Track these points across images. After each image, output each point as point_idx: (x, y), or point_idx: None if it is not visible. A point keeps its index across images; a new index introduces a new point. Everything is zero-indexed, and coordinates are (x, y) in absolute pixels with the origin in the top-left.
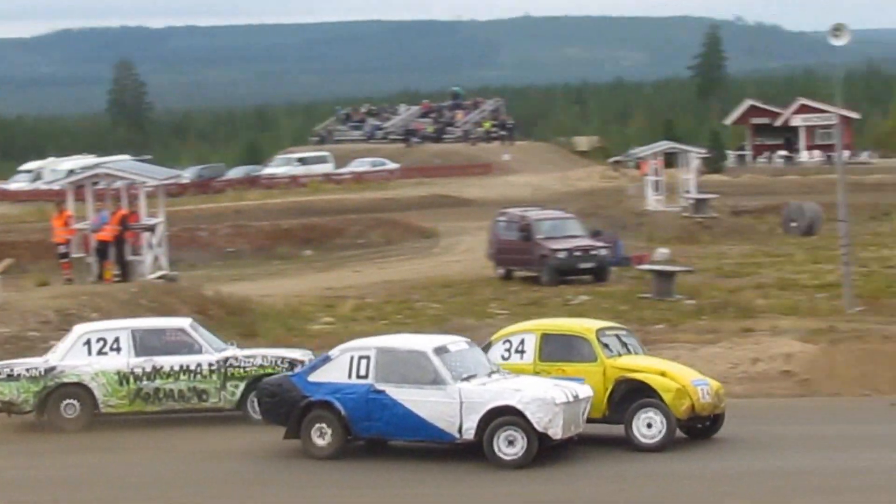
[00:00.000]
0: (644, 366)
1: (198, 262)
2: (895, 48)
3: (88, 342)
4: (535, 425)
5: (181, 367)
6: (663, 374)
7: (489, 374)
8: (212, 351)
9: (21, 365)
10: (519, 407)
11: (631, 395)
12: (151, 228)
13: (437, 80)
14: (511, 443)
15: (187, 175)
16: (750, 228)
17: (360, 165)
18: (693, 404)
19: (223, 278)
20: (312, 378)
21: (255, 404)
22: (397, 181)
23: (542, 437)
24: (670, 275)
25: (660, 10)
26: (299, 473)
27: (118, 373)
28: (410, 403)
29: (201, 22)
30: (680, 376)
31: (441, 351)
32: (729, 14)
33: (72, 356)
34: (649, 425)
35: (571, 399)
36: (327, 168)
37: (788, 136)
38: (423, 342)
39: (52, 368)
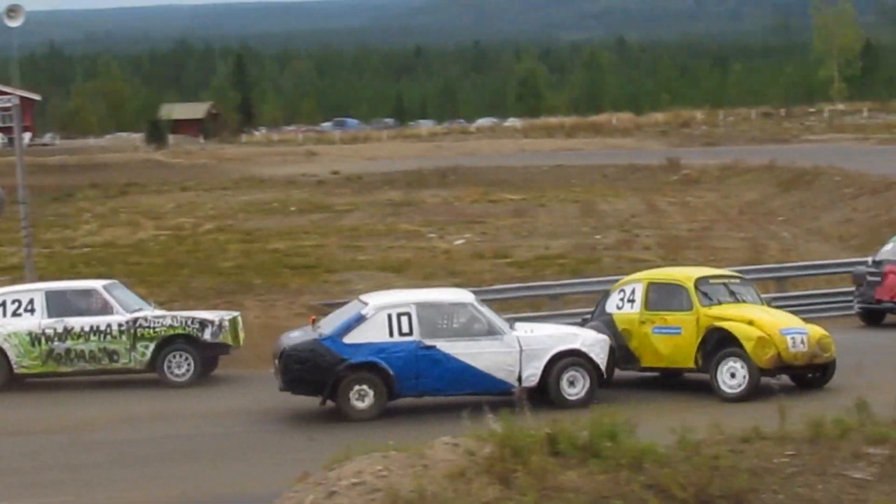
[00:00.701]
0: (735, 314)
1: None
2: (77, 29)
3: (4, 304)
4: (600, 365)
5: (91, 327)
6: (751, 322)
7: (512, 326)
8: (123, 312)
9: None
10: (584, 349)
11: (718, 344)
12: None
13: None
14: (572, 383)
15: None
16: None
17: None
18: (779, 353)
19: None
20: (348, 340)
21: (171, 366)
22: None
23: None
24: None
25: None
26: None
27: (30, 333)
28: (466, 357)
29: None
30: (768, 324)
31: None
32: None
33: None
34: (732, 375)
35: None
36: None
37: None
38: (464, 294)
39: None
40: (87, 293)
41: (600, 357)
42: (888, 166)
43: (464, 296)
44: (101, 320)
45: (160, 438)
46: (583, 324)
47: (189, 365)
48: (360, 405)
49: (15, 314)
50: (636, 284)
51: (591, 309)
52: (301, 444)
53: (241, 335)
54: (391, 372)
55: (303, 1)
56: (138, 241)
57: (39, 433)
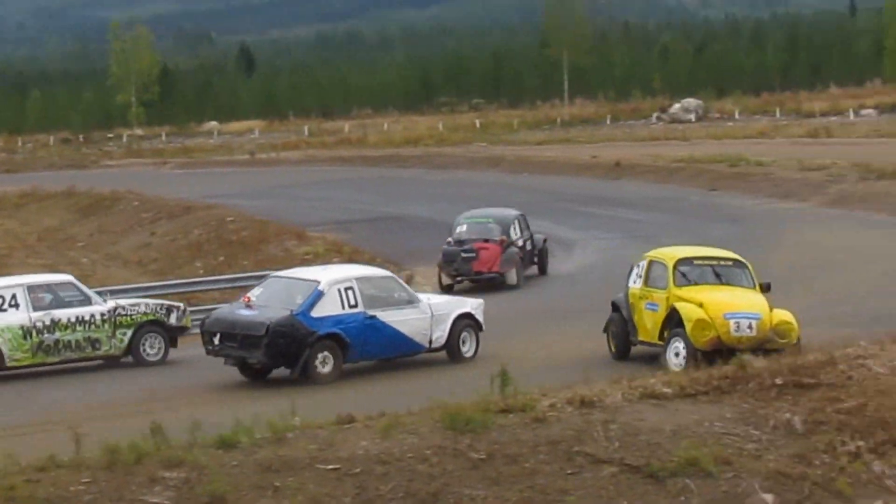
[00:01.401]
0: (695, 296)
1: None
2: None
3: None
4: (482, 324)
5: (77, 318)
6: (700, 304)
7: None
8: (101, 302)
9: None
10: (473, 312)
11: (673, 323)
12: None
13: None
14: (464, 342)
15: None
16: None
17: None
18: (719, 336)
19: None
20: (314, 314)
21: (145, 348)
22: None
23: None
24: None
25: None
26: None
27: (22, 327)
28: (397, 324)
29: None
30: (714, 307)
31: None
32: None
33: None
34: (676, 354)
35: None
36: None
37: None
38: (384, 270)
39: None
40: (65, 286)
41: (482, 317)
42: (185, 190)
43: (384, 270)
44: (84, 311)
45: None
46: None
47: (160, 346)
48: (324, 371)
49: (1, 310)
50: (644, 261)
51: None
52: None
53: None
54: (348, 341)
55: None
56: None
57: None
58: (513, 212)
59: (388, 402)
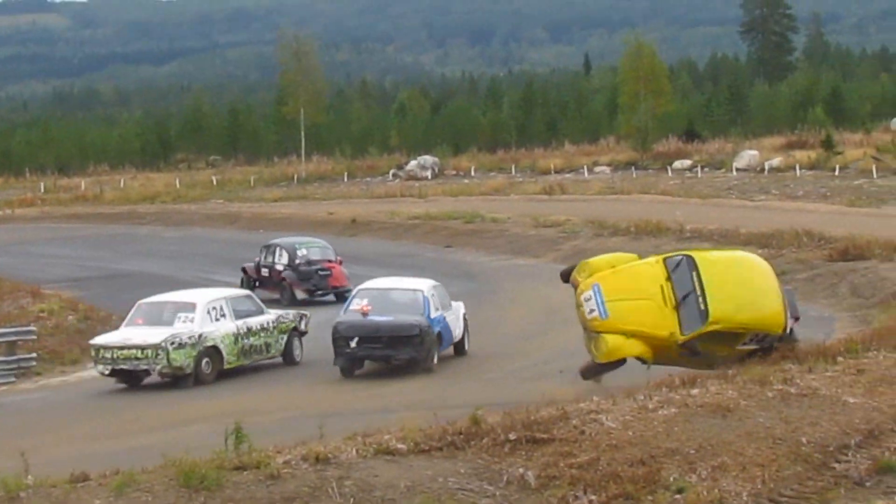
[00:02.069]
0: None
1: None
2: None
3: (209, 310)
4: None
5: (261, 325)
6: None
7: None
8: (269, 312)
9: (182, 334)
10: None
11: None
12: None
13: None
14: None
15: None
16: None
17: None
18: None
19: None
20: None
21: (293, 350)
22: None
23: None
24: None
25: None
26: None
27: (234, 334)
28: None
29: None
30: None
31: None
32: None
33: (204, 323)
34: None
35: None
36: None
37: None
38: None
39: (201, 335)
40: (248, 298)
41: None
42: None
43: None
44: (263, 319)
45: None
46: None
47: (301, 348)
48: (435, 361)
49: (217, 319)
50: None
51: None
52: None
53: None
54: (443, 335)
55: None
56: None
57: None
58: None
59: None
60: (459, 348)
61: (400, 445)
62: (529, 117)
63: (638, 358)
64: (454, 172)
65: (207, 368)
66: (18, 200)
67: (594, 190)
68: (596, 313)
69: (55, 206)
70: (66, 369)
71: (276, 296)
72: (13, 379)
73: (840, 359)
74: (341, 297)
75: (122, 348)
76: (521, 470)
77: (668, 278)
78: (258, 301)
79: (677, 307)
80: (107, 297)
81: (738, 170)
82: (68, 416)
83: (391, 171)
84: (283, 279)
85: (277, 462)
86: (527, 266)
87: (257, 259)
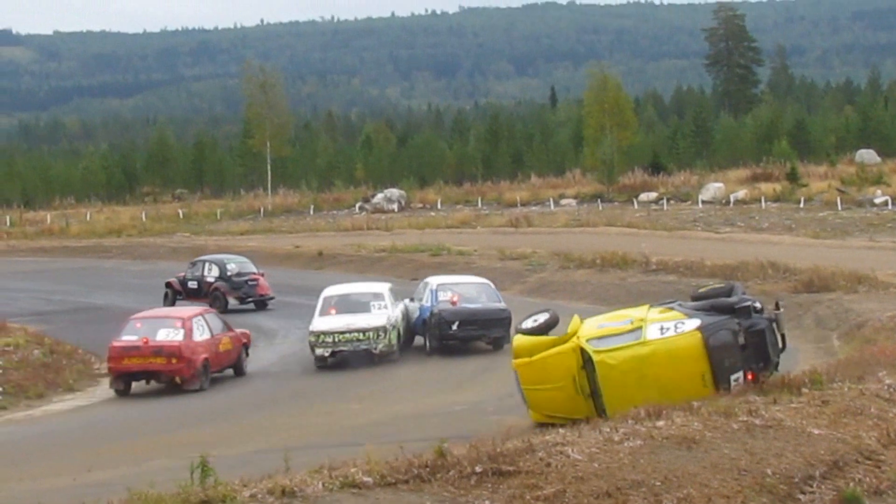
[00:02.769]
0: None
1: None
2: None
3: (382, 296)
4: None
5: (398, 317)
6: None
7: None
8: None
9: (392, 318)
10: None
11: None
12: None
13: None
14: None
15: None
16: None
17: None
18: None
19: None
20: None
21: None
22: None
23: None
24: None
25: None
26: None
27: (396, 320)
28: None
29: None
30: None
31: None
32: None
33: (392, 309)
34: None
35: None
36: None
37: None
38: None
39: (397, 318)
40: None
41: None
42: None
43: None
44: (397, 312)
45: None
46: None
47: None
48: None
49: (394, 305)
50: None
51: None
52: None
53: None
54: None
55: None
56: None
57: None
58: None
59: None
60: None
61: (366, 478)
62: (495, 150)
63: None
64: (420, 205)
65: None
66: None
67: (560, 222)
68: (520, 397)
69: (21, 240)
70: (31, 403)
71: (203, 305)
72: None
73: (805, 390)
74: (262, 304)
75: (344, 332)
76: (487, 503)
77: (583, 367)
78: None
79: (592, 395)
80: (73, 331)
81: (703, 202)
82: (33, 451)
83: (357, 204)
84: (217, 289)
85: (244, 496)
86: None
87: (183, 274)
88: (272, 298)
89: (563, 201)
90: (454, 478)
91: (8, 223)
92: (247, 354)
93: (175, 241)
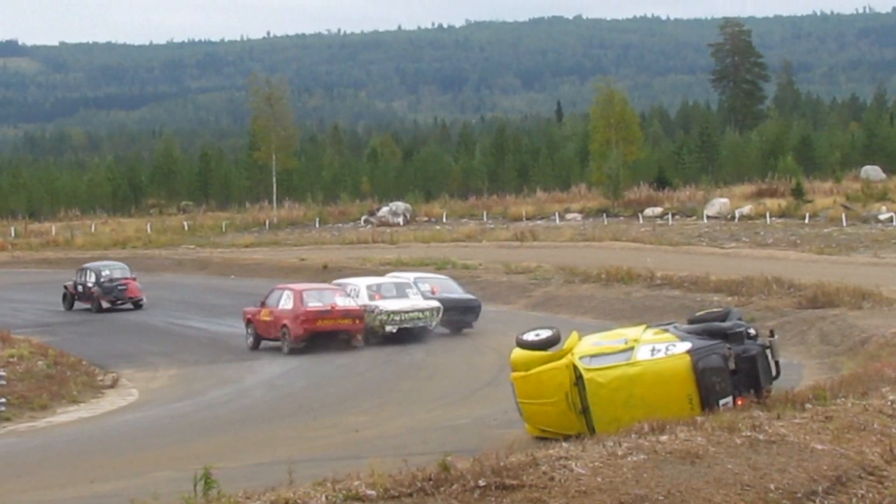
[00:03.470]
0: None
1: None
2: None
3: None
4: None
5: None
6: None
7: None
8: None
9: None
10: None
11: None
12: None
13: None
14: None
15: None
16: None
17: None
18: None
19: None
20: None
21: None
22: None
23: None
24: None
25: None
26: None
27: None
28: None
29: None
30: None
31: None
32: None
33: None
34: None
35: None
36: None
37: None
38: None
39: None
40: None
41: None
42: None
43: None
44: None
45: None
46: None
47: None
48: None
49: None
50: None
51: None
52: None
53: None
54: None
55: None
56: None
57: None
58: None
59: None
60: None
61: (369, 491)
62: (501, 164)
63: None
64: (426, 219)
65: None
66: None
67: (565, 237)
68: (517, 409)
69: (25, 251)
70: (35, 414)
71: (87, 305)
72: None
73: (808, 406)
74: (137, 305)
75: (409, 312)
76: None
77: (575, 383)
78: None
79: (584, 412)
80: (77, 343)
81: (708, 217)
82: (36, 462)
83: (363, 217)
84: (93, 293)
85: None
86: (497, 312)
87: (75, 279)
88: (141, 300)
89: (569, 216)
90: (458, 491)
91: (13, 234)
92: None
93: (180, 254)
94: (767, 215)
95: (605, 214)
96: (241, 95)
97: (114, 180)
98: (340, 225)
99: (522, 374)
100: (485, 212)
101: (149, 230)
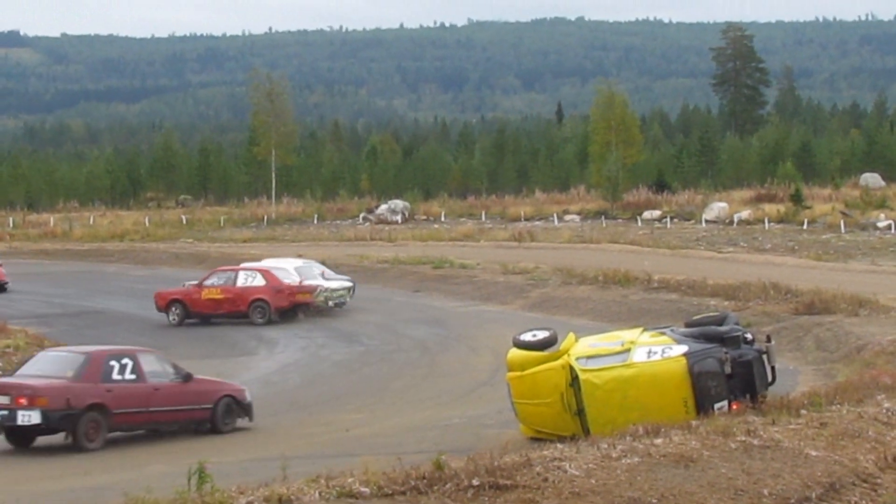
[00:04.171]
0: None
1: None
2: None
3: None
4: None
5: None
6: None
7: None
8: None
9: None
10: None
11: None
12: None
13: None
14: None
15: None
16: None
17: None
18: None
19: None
20: None
21: None
22: None
23: None
24: None
25: None
26: None
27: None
28: None
29: None
30: None
31: None
32: None
33: None
34: None
35: None
36: None
37: None
38: None
39: None
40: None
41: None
42: None
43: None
44: None
45: None
46: None
47: None
48: None
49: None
50: None
51: None
52: None
53: None
54: None
55: None
56: None
57: None
58: None
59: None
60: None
61: (363, 489)
62: (500, 164)
63: None
64: (424, 217)
65: None
66: None
67: (563, 238)
68: (511, 409)
69: (23, 242)
70: None
71: None
72: None
73: (803, 412)
74: (2, 288)
75: (338, 290)
76: None
77: (571, 384)
78: None
79: (579, 413)
80: (73, 335)
81: (707, 221)
82: (30, 454)
83: (361, 215)
84: None
85: (240, 503)
86: (494, 312)
87: None
88: (6, 283)
89: (567, 217)
90: (451, 490)
91: (11, 225)
92: None
93: (178, 247)
94: (766, 220)
95: (603, 216)
96: (241, 91)
97: (113, 173)
98: (339, 222)
99: (518, 374)
100: (483, 212)
101: (147, 223)
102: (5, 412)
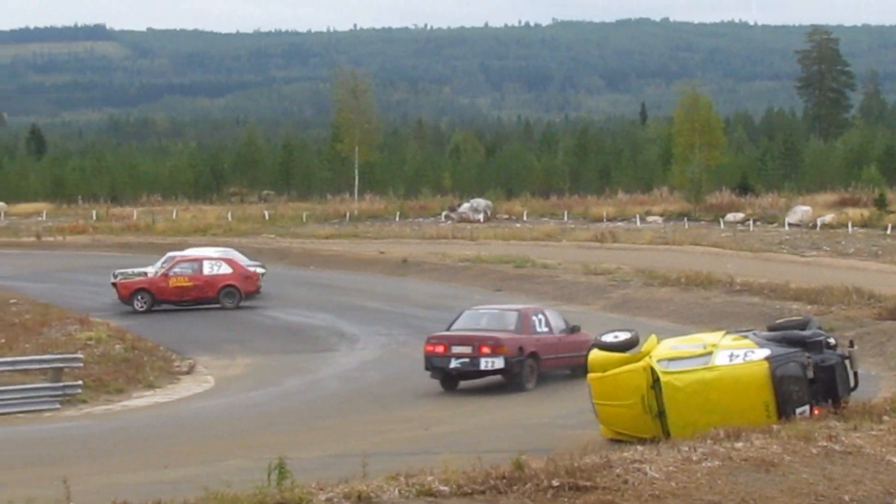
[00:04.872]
0: None
1: None
2: None
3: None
4: None
5: None
6: None
7: None
8: None
9: None
10: None
11: None
12: None
13: None
14: None
15: None
16: None
17: None
18: None
19: None
20: None
21: None
22: None
23: None
24: None
25: None
26: None
27: None
28: None
29: None
30: None
31: None
32: None
33: None
34: None
35: None
36: None
37: None
38: None
39: None
40: None
41: None
42: None
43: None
44: None
45: None
46: None
47: None
48: None
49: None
50: None
51: None
52: None
53: None
54: None
55: None
56: None
57: None
58: None
59: (166, 491)
60: None
61: (442, 487)
62: (583, 164)
63: None
64: (506, 216)
65: None
66: (70, 227)
67: (645, 239)
68: (592, 410)
69: (106, 235)
70: (111, 398)
71: None
72: (58, 406)
73: (885, 418)
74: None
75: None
76: None
77: (652, 386)
78: None
79: (660, 415)
80: (154, 328)
81: (790, 225)
82: (111, 445)
83: (443, 213)
84: None
85: (320, 499)
86: (575, 313)
87: None
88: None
89: (650, 218)
90: (531, 490)
91: (94, 217)
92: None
93: (260, 242)
94: (849, 225)
95: (686, 218)
96: (325, 87)
97: (196, 167)
98: (420, 220)
99: (599, 375)
100: (565, 211)
101: (229, 218)
102: (466, 360)
